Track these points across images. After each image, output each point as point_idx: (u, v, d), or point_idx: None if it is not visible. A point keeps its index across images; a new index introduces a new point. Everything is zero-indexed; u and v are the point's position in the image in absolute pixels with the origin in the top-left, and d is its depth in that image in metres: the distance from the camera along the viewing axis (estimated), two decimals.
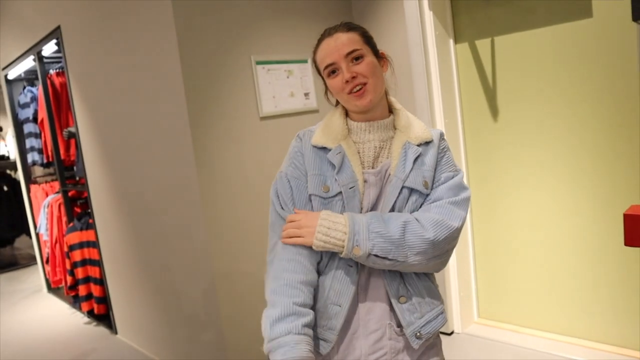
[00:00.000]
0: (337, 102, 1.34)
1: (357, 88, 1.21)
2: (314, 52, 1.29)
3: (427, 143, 1.28)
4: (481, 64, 2.93)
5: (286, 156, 1.33)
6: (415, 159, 1.25)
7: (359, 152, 1.26)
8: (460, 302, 3.07)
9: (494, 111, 2.91)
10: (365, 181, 1.23)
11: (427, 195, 1.26)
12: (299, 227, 1.21)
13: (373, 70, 1.22)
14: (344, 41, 1.21)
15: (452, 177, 1.28)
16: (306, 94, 2.87)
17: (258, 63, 2.67)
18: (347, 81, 1.20)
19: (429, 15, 2.86)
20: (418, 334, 1.23)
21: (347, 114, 1.32)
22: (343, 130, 1.27)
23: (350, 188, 1.22)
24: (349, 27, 1.24)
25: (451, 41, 2.99)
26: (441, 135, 1.32)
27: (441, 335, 3.07)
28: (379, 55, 1.28)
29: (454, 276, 3.05)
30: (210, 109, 2.51)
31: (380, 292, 1.24)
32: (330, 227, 1.18)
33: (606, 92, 2.49)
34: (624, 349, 2.59)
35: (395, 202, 1.23)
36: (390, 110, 1.32)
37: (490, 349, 2.87)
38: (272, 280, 1.22)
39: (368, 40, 1.26)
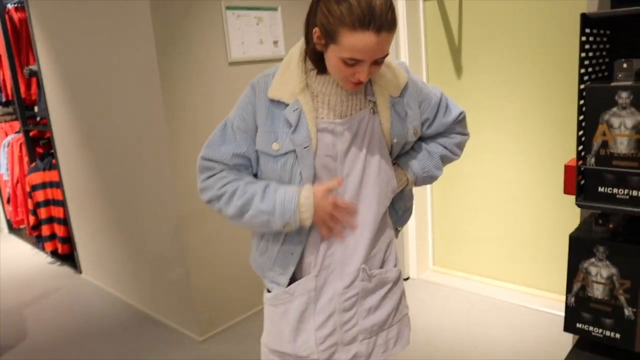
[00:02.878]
0: (307, 49, 1.24)
1: (356, 82, 1.16)
2: (342, 24, 1.07)
3: (405, 86, 1.30)
4: (448, 22, 2.99)
5: (236, 104, 1.29)
6: (406, 113, 1.29)
7: (328, 103, 1.24)
8: (416, 250, 3.24)
9: (458, 69, 3.00)
10: (331, 131, 1.23)
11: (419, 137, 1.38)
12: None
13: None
14: (384, 46, 1.09)
15: (438, 106, 1.39)
16: (275, 42, 2.88)
17: (228, 8, 2.66)
18: (355, 75, 1.14)
19: None
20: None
21: (309, 57, 1.23)
22: (301, 81, 1.21)
23: (305, 147, 1.20)
24: (392, 23, 1.09)
25: None
26: (406, 68, 1.33)
27: None
28: None
29: (412, 226, 3.21)
30: (180, 52, 2.50)
31: (358, 242, 1.30)
32: None
33: (564, 59, 2.60)
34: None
35: (399, 156, 1.36)
36: None
37: (443, 294, 3.07)
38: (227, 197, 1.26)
39: None
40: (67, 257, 3.99)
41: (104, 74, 2.87)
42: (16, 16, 4.03)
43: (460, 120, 1.44)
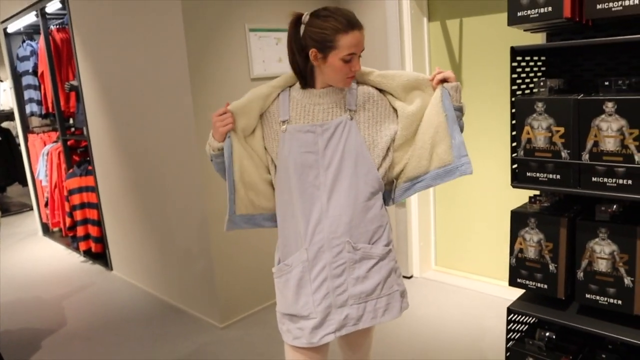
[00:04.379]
0: (301, 72, 1.63)
1: (352, 75, 1.57)
2: (337, 32, 1.46)
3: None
4: (450, 41, 3.30)
5: None
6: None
7: (313, 112, 1.61)
8: (420, 251, 3.52)
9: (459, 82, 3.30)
10: (313, 132, 1.59)
11: None
12: None
13: None
14: (363, 39, 1.52)
15: None
16: None
17: (251, 30, 3.00)
18: (351, 68, 1.54)
19: None
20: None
21: (305, 85, 1.64)
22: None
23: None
24: (361, 23, 1.53)
25: (425, 19, 3.34)
26: None
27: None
28: None
29: (415, 228, 3.49)
30: (209, 69, 2.85)
31: (342, 221, 1.60)
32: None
33: None
34: None
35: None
36: None
37: (444, 291, 3.33)
38: None
39: None
40: (99, 256, 4.33)
41: (139, 88, 3.23)
42: (57, 36, 4.44)
43: None
